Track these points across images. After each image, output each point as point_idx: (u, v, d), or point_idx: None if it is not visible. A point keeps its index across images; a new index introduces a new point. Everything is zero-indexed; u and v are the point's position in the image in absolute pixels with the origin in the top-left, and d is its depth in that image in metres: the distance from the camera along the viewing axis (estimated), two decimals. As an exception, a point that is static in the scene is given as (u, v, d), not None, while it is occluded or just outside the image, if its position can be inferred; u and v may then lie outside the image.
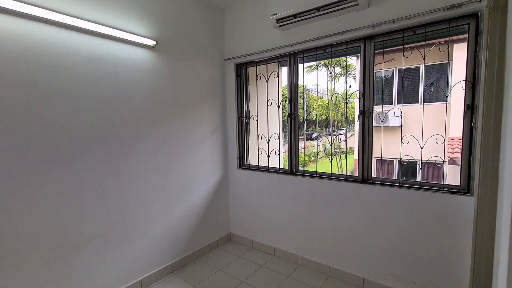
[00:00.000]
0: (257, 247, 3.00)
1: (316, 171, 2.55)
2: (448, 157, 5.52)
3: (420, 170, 2.06)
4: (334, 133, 10.99)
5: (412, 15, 1.88)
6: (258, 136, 2.99)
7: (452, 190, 1.90)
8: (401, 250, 2.09)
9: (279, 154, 2.89)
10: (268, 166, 2.91)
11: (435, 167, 6.43)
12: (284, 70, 2.80)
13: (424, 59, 1.99)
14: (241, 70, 3.05)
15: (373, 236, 2.21)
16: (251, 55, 2.81)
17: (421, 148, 2.06)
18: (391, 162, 7.24)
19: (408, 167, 6.93)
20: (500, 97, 1.55)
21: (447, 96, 2.31)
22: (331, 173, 2.46)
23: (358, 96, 2.26)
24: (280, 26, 2.46)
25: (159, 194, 2.44)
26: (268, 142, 2.91)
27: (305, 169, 2.64)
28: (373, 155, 2.27)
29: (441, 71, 6.94)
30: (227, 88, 3.10)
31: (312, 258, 2.58)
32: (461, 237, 1.84)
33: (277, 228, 2.82)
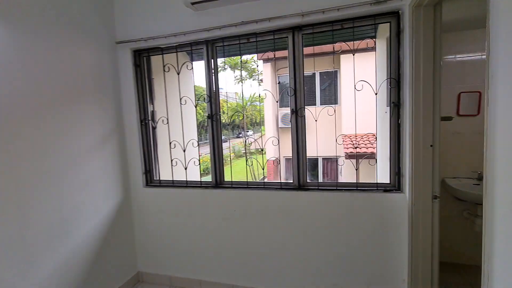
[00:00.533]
0: (177, 284, 2.36)
1: (247, 181, 2.17)
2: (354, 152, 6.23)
3: (356, 170, 1.99)
4: (248, 135, 11.08)
5: (341, 6, 1.77)
6: (170, 143, 2.35)
7: (385, 188, 1.89)
8: (342, 256, 1.97)
9: (199, 164, 2.36)
10: (186, 180, 2.32)
11: (333, 163, 7.29)
12: (200, 63, 2.30)
13: (353, 54, 1.92)
14: (141, 58, 2.34)
15: (313, 246, 2.02)
16: (155, 39, 2.16)
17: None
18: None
19: (309, 164, 7.61)
20: (429, 93, 1.57)
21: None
22: (264, 182, 2.14)
23: (289, 94, 2.02)
24: (193, 3, 1.95)
25: (6, 249, 1.49)
26: (184, 151, 2.32)
27: (233, 180, 2.22)
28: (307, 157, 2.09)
29: (330, 78, 7.96)
30: (122, 82, 2.32)
31: (248, 284, 2.18)
32: (397, 234, 1.84)
33: (203, 256, 2.28)
